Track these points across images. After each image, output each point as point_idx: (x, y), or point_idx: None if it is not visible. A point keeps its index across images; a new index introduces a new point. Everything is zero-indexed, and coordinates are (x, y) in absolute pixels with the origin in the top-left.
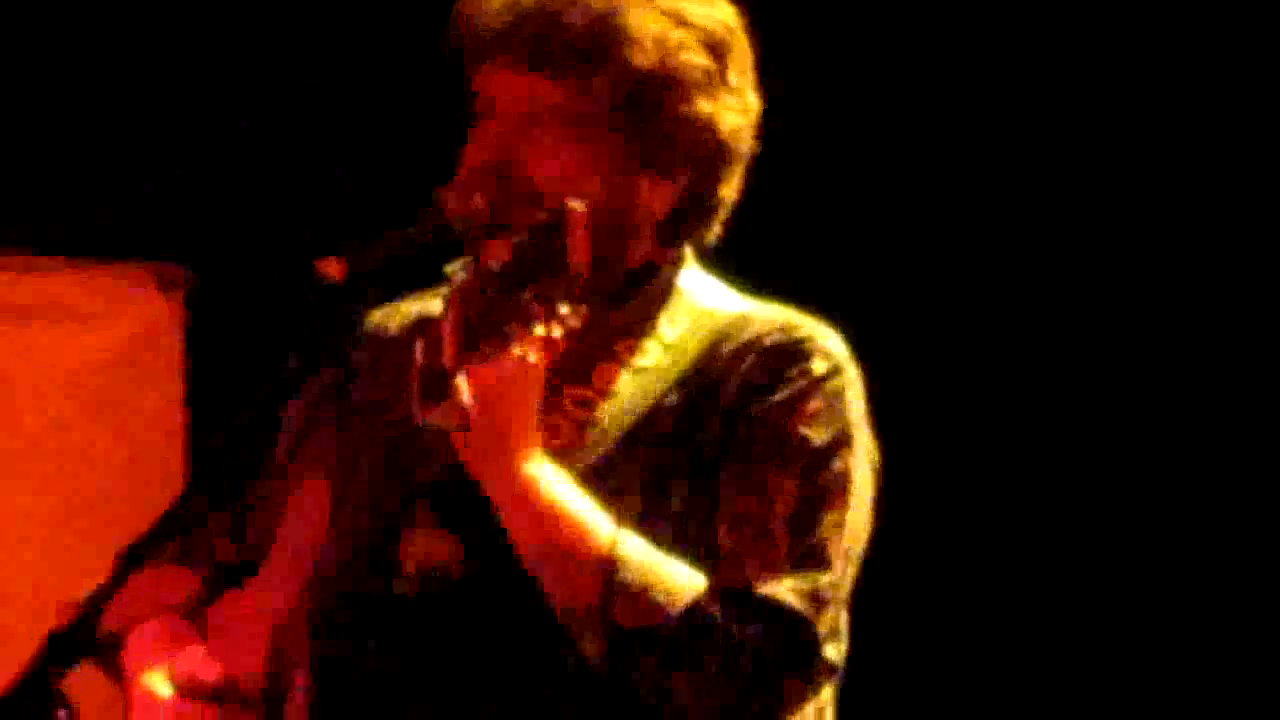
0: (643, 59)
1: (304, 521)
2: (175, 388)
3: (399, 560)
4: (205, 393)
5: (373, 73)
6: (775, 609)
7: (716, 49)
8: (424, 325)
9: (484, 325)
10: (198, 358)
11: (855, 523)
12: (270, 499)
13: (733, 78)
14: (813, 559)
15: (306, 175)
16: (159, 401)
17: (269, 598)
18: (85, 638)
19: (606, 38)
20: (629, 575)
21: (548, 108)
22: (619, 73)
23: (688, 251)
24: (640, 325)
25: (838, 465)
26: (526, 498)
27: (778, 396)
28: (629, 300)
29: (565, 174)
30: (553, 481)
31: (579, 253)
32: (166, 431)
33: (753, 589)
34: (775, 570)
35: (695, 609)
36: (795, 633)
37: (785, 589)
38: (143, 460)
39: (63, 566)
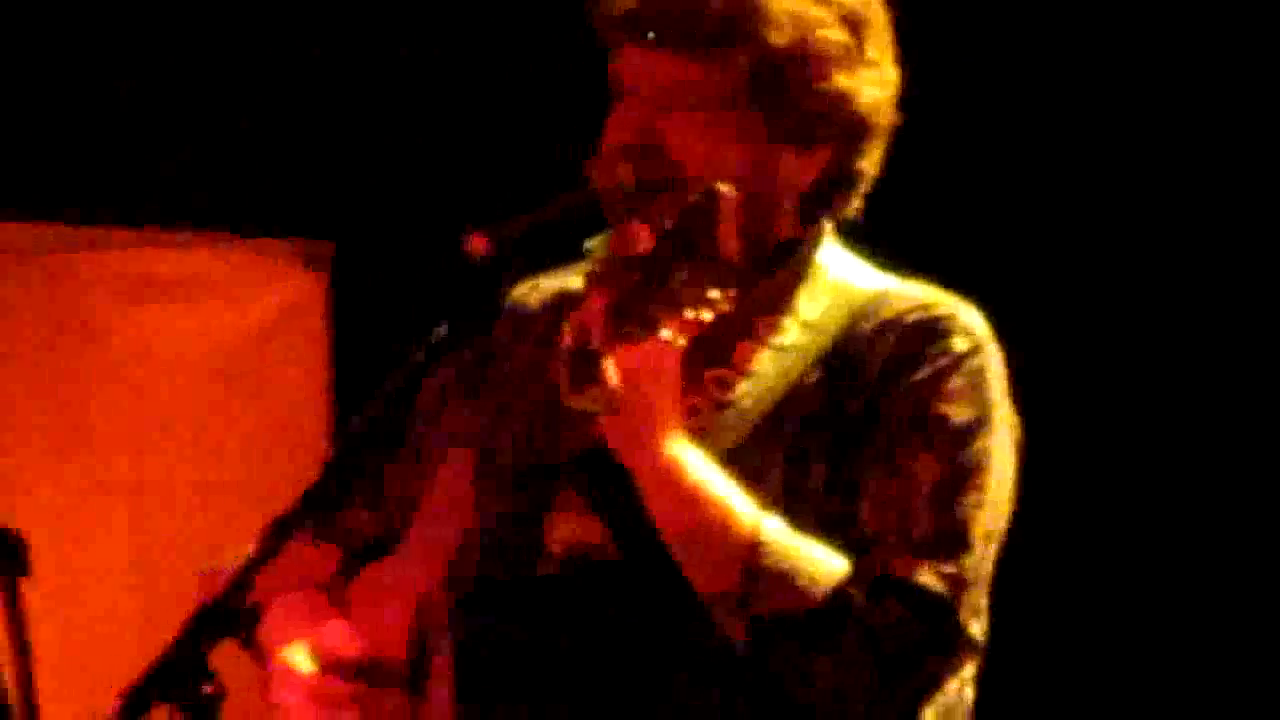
0: (780, 36)
1: (445, 497)
2: (320, 363)
3: (544, 541)
4: (349, 368)
5: (517, 48)
6: (918, 593)
7: (854, 24)
8: (564, 302)
9: (631, 308)
10: (342, 333)
11: (997, 502)
12: (408, 472)
13: (871, 51)
14: (954, 540)
15: (450, 149)
16: (303, 377)
17: (410, 574)
18: (232, 613)
19: (744, 16)
20: (772, 559)
21: (688, 87)
22: (758, 51)
23: (827, 227)
24: (781, 303)
25: (979, 444)
26: (670, 480)
27: (918, 375)
28: (770, 277)
29: (707, 152)
30: (697, 464)
31: (729, 238)
32: (311, 407)
33: (895, 573)
34: (917, 552)
35: (838, 593)
36: (937, 616)
37: (927, 571)
38: (287, 435)
39: (208, 541)
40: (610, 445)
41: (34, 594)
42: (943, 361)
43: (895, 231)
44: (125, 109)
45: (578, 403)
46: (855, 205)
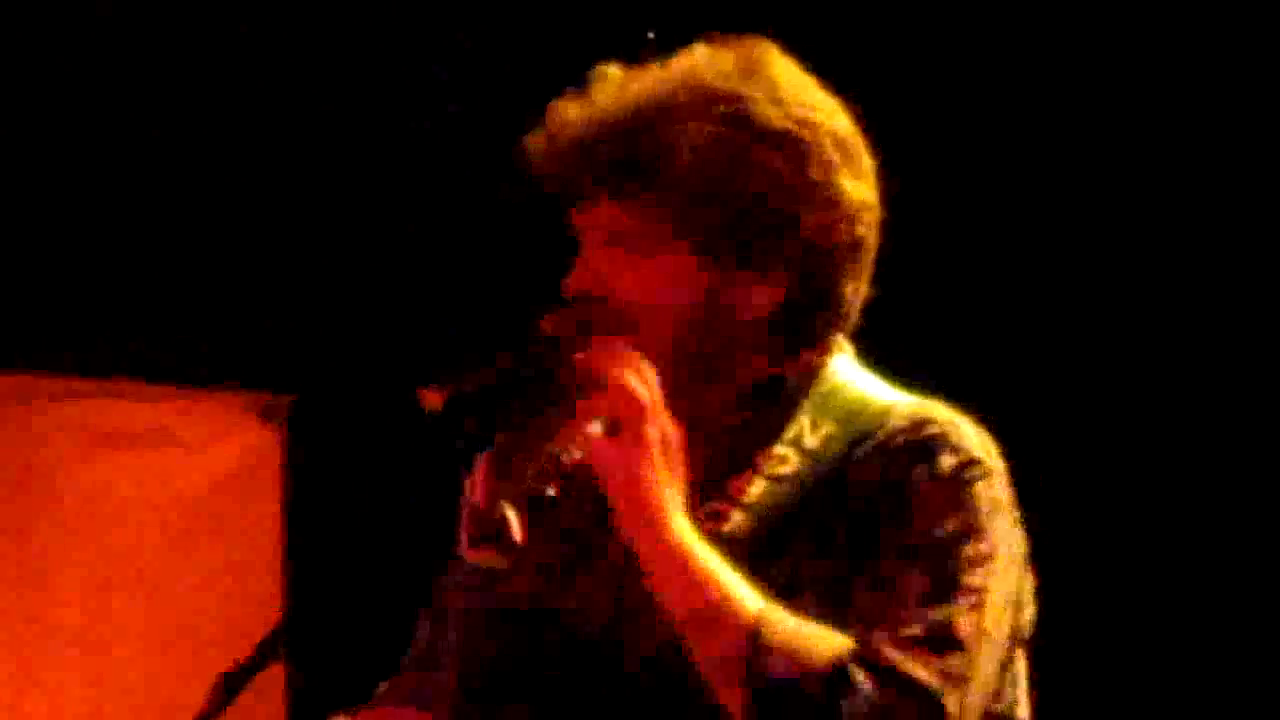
0: (692, 170)
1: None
2: (275, 514)
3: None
4: (304, 520)
5: (474, 197)
6: (908, 681)
7: (789, 147)
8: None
9: (505, 460)
10: (297, 485)
11: (994, 607)
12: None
13: (814, 172)
14: (945, 641)
15: (407, 303)
16: (259, 527)
17: None
18: None
19: (646, 154)
20: (775, 632)
21: (615, 230)
22: (664, 186)
23: (841, 347)
24: (779, 433)
25: (968, 551)
26: (677, 562)
27: (901, 496)
28: (765, 409)
29: (646, 292)
30: (701, 548)
31: (565, 369)
32: (265, 557)
33: (887, 661)
34: (907, 650)
35: (840, 667)
36: (926, 706)
37: (918, 665)
38: (241, 585)
39: (161, 690)
40: (618, 526)
41: None
42: (927, 479)
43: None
44: (82, 260)
45: (479, 560)
46: (847, 326)
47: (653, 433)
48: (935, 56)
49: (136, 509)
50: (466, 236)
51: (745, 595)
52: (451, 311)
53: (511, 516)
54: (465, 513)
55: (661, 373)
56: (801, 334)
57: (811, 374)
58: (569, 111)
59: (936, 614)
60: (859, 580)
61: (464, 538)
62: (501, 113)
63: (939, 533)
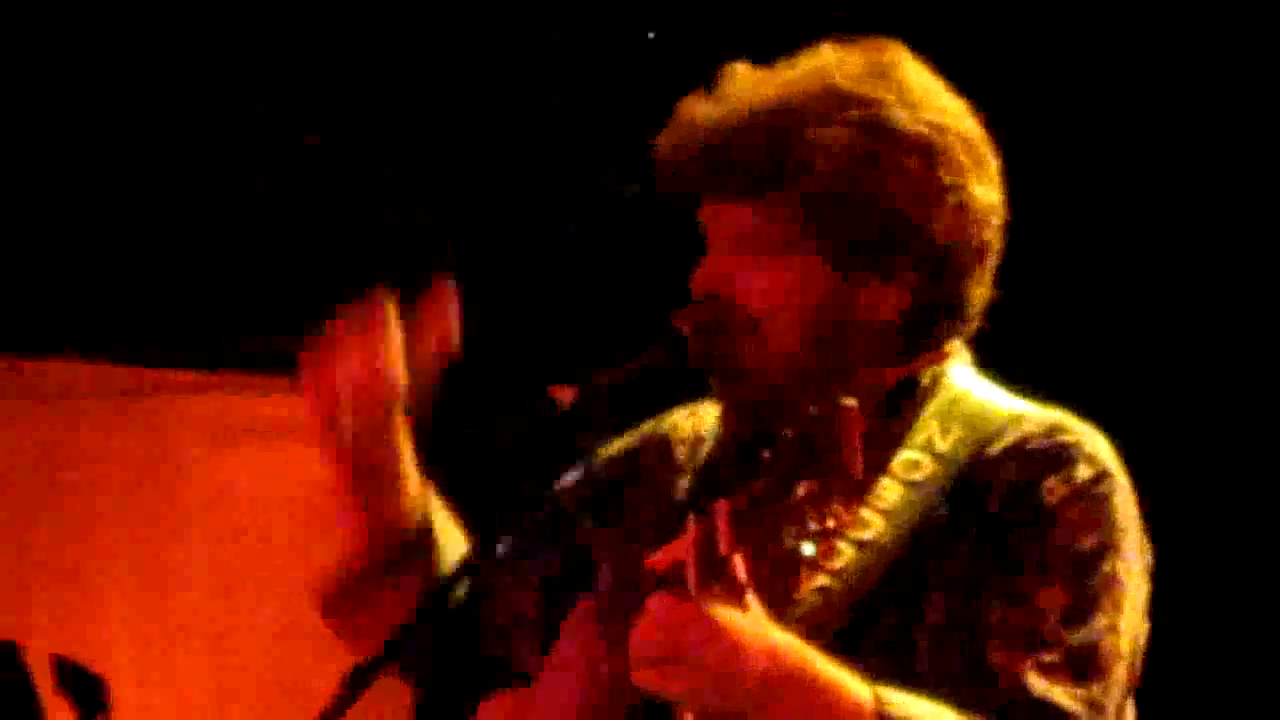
0: (824, 175)
1: (570, 650)
2: None
3: (679, 710)
4: None
5: (603, 193)
6: (1054, 712)
7: (921, 151)
8: (715, 449)
9: (756, 517)
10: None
11: (1129, 626)
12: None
13: (945, 177)
14: (1086, 664)
15: (539, 301)
16: None
17: None
18: None
19: (784, 158)
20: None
21: (744, 232)
22: (801, 191)
23: (960, 352)
24: (912, 436)
25: (1105, 568)
26: (777, 686)
27: (1038, 505)
28: (899, 412)
29: (772, 295)
30: (799, 657)
31: (851, 452)
32: None
33: (1031, 693)
34: (1050, 674)
35: None
36: None
37: (1061, 693)
38: None
39: (289, 685)
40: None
41: None
42: (1065, 490)
43: (1025, 353)
44: (211, 253)
45: (705, 601)
46: (969, 329)
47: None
48: (1052, 56)
49: (263, 503)
50: (592, 233)
51: (856, 686)
52: (578, 307)
53: (742, 567)
54: (697, 553)
55: (787, 376)
56: (926, 338)
57: (937, 378)
58: (701, 110)
59: (1077, 637)
60: (993, 591)
61: (693, 576)
62: (634, 110)
63: (1078, 548)
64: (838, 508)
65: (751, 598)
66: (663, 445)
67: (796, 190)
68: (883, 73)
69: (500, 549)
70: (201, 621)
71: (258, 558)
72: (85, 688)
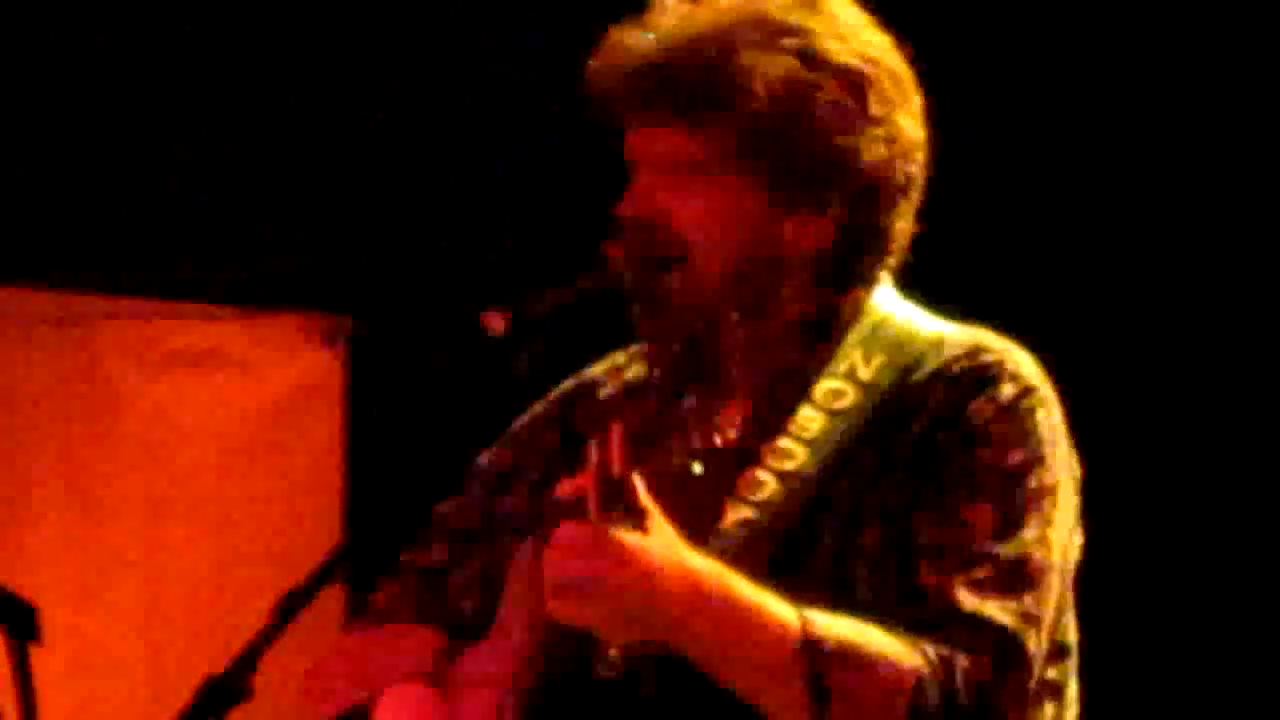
0: (759, 101)
1: (518, 588)
2: (336, 437)
3: (601, 643)
4: (365, 442)
5: (534, 121)
6: (986, 627)
7: (853, 83)
8: (640, 391)
9: (647, 435)
10: (357, 407)
11: (1059, 537)
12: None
13: (875, 109)
14: (1019, 578)
15: (470, 223)
16: (319, 450)
17: (494, 667)
18: (239, 686)
19: (722, 83)
20: (832, 656)
21: (678, 158)
22: (744, 116)
23: (884, 280)
24: (834, 365)
25: (1032, 483)
26: (697, 603)
27: (965, 426)
28: (822, 341)
29: (704, 221)
30: (716, 577)
31: (732, 363)
32: (326, 480)
33: (962, 608)
34: (982, 589)
35: (918, 704)
36: (1009, 651)
37: (994, 607)
38: (302, 508)
39: (220, 613)
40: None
41: (46, 662)
42: (989, 409)
43: (944, 274)
44: (142, 179)
45: (609, 526)
46: (893, 261)
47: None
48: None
49: (196, 430)
50: (524, 159)
51: (781, 610)
52: (509, 233)
53: (641, 488)
54: (595, 479)
55: (712, 303)
56: (851, 269)
57: (858, 307)
58: (633, 38)
59: (1007, 550)
60: (924, 513)
61: (594, 502)
62: (561, 36)
63: (1005, 464)
64: (723, 423)
65: (661, 521)
66: (593, 404)
67: (733, 115)
68: (813, 4)
69: (435, 556)
70: (133, 547)
71: (189, 484)
72: (16, 614)
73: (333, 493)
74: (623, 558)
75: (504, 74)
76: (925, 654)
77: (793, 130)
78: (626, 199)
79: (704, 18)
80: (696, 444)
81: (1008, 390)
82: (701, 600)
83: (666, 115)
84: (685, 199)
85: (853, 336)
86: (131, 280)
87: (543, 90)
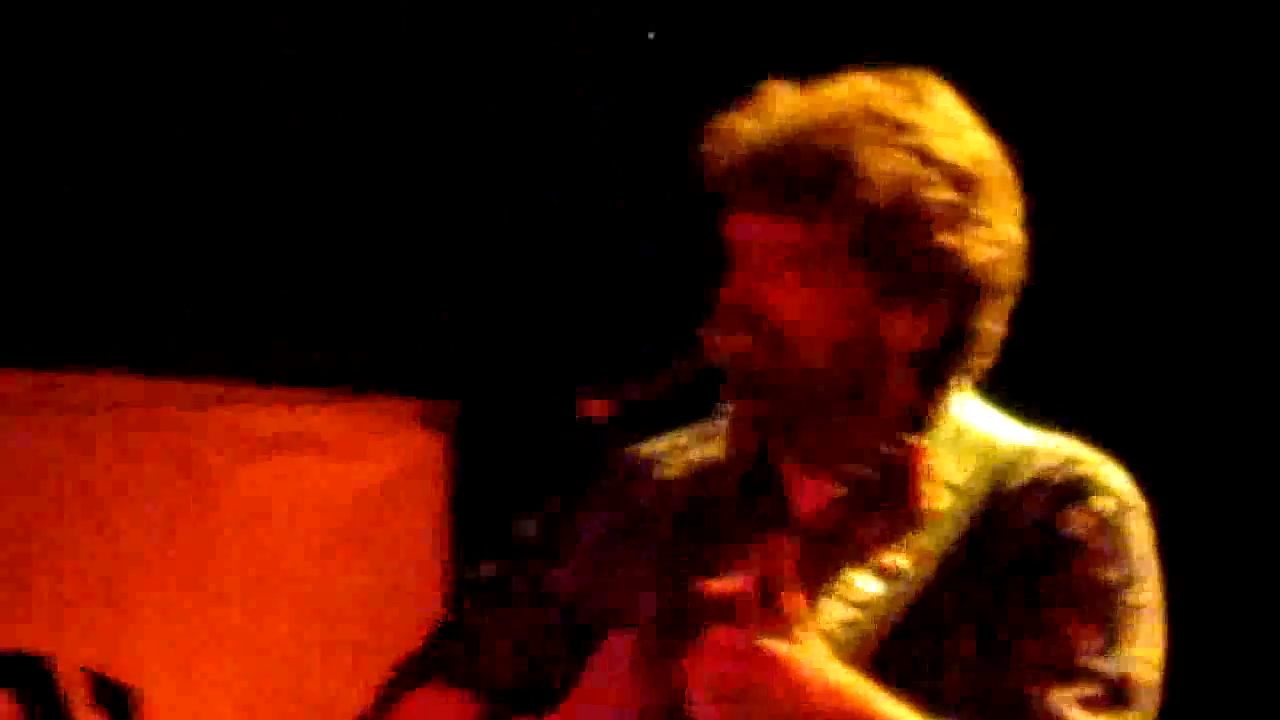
0: (875, 196)
1: (604, 678)
2: (438, 523)
3: None
4: (468, 529)
5: (635, 209)
6: None
7: (963, 183)
8: (708, 476)
9: (822, 556)
10: (461, 494)
11: (1155, 656)
12: (552, 627)
13: (983, 210)
14: (1123, 696)
15: (570, 311)
16: (422, 536)
17: None
18: None
19: (838, 176)
20: None
21: (786, 248)
22: (856, 211)
23: (966, 386)
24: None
25: (1130, 599)
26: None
27: (1064, 538)
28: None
29: (807, 314)
30: (863, 700)
31: (920, 493)
32: (429, 567)
33: None
34: (1090, 709)
35: None
36: None
37: None
38: (404, 595)
39: (320, 701)
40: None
41: None
42: (1088, 522)
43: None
44: (242, 265)
45: (770, 636)
46: (983, 363)
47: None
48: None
49: (297, 516)
50: (628, 244)
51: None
52: (611, 319)
53: (799, 600)
54: (756, 585)
55: (809, 400)
56: (946, 369)
57: (941, 411)
58: (747, 125)
59: (1111, 669)
60: (1023, 624)
61: (753, 612)
62: (666, 123)
63: (1103, 580)
64: (902, 546)
65: (812, 633)
66: (657, 483)
67: (847, 209)
68: (924, 100)
69: (474, 619)
70: (231, 633)
71: (286, 570)
72: (116, 699)
73: (436, 578)
74: (775, 668)
75: (605, 159)
76: None
77: (904, 227)
78: (730, 284)
79: (819, 109)
80: (878, 563)
81: (1105, 504)
82: (846, 712)
83: (780, 205)
84: (791, 290)
85: (941, 438)
86: (231, 366)
87: (646, 176)
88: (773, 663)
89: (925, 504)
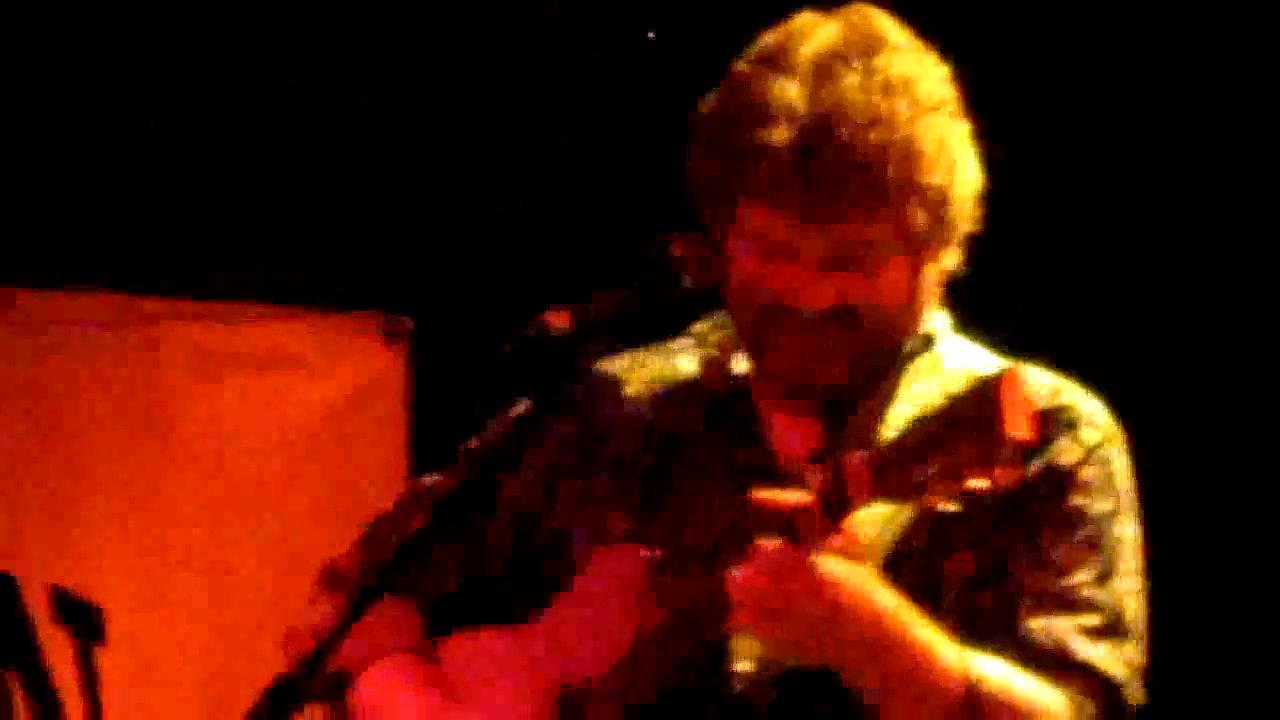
0: (938, 176)
1: (606, 590)
2: (398, 437)
3: (732, 655)
4: (428, 442)
5: (601, 124)
6: (1100, 676)
7: (975, 152)
8: (676, 391)
9: (902, 469)
10: (421, 407)
11: (1145, 587)
12: (503, 538)
13: (980, 173)
14: (1118, 628)
15: (533, 226)
16: (382, 450)
17: (543, 655)
18: (312, 681)
19: (915, 168)
20: (990, 699)
21: (872, 244)
22: (924, 195)
23: (946, 316)
24: (901, 392)
25: (1120, 532)
26: (877, 653)
27: (1054, 465)
28: (894, 372)
29: (896, 297)
30: (898, 612)
31: (1016, 422)
32: (389, 480)
33: (1074, 656)
34: (1094, 639)
35: None
36: (1118, 700)
37: (1107, 657)
38: (365, 509)
39: (283, 613)
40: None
41: (110, 663)
42: (1077, 451)
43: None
44: (203, 183)
45: (822, 553)
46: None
47: None
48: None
49: (257, 432)
50: (588, 159)
51: (949, 652)
52: (574, 234)
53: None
54: (819, 502)
55: (878, 366)
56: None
57: (926, 338)
58: (813, 129)
59: (1108, 599)
60: (1017, 552)
61: (812, 527)
62: (622, 43)
63: (1094, 511)
64: (996, 472)
65: (865, 555)
66: (620, 399)
67: (920, 197)
68: (945, 74)
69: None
70: (196, 550)
71: (250, 486)
72: (82, 616)
73: (396, 491)
74: (823, 587)
75: (567, 75)
76: (1063, 702)
77: (948, 209)
78: (806, 290)
79: (879, 106)
80: (965, 485)
81: (1090, 435)
82: (883, 638)
83: (874, 207)
84: (890, 278)
85: (923, 366)
86: (188, 283)
87: (606, 92)
88: (821, 584)
89: (1013, 432)
